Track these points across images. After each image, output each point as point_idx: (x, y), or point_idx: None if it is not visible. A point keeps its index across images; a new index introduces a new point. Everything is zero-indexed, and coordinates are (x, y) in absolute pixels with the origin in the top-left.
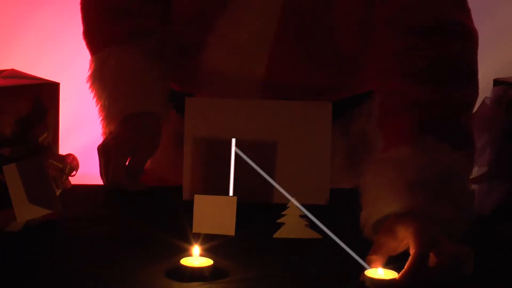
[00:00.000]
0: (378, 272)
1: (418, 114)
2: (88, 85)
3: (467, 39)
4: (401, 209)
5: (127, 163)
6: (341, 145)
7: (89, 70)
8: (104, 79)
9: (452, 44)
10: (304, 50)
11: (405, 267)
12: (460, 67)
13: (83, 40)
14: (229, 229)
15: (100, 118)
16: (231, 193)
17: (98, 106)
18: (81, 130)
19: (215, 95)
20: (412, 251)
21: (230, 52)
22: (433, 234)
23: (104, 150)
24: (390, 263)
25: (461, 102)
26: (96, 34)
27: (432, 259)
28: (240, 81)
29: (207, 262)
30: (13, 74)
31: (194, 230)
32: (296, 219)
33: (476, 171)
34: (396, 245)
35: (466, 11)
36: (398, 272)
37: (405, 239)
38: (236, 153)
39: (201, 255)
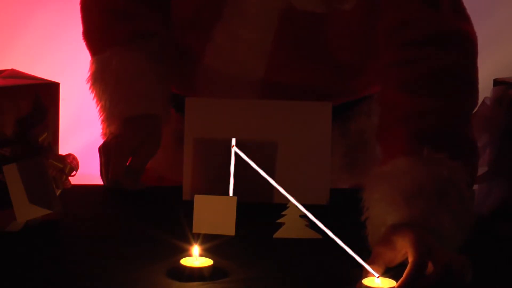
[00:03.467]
0: (375, 281)
1: (415, 125)
2: (88, 85)
3: (466, 47)
4: (399, 220)
5: (127, 163)
6: (340, 144)
7: (89, 70)
8: (105, 81)
9: (451, 53)
10: (302, 61)
11: (403, 275)
12: (459, 77)
13: (83, 41)
14: (229, 229)
15: (101, 119)
16: (231, 193)
17: (99, 107)
18: (81, 130)
19: None
20: (410, 260)
21: (227, 61)
22: (429, 243)
23: (105, 150)
24: (388, 271)
25: (460, 111)
26: (97, 35)
27: (430, 268)
28: (238, 88)
29: (207, 262)
30: (13, 74)
31: (194, 230)
32: (296, 219)
33: None
34: (394, 256)
35: (465, 18)
36: (396, 281)
37: (403, 250)
38: (236, 153)
39: (201, 255)
